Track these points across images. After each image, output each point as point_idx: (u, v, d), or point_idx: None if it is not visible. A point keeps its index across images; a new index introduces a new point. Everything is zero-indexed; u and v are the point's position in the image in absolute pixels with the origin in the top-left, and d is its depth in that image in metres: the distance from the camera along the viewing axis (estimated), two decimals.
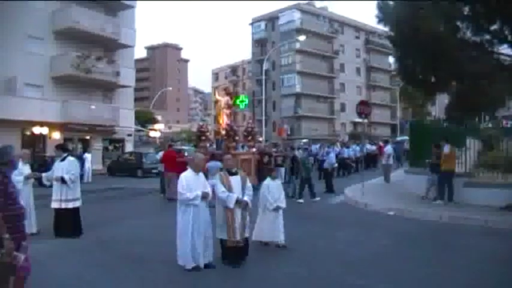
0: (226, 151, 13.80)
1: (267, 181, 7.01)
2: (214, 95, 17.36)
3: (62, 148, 8.24)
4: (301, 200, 12.55)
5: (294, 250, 6.79)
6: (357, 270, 5.87)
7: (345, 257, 6.13)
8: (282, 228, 6.78)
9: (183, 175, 5.78)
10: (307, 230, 8.59)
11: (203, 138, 15.88)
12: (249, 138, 16.68)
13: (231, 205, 5.72)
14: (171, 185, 13.32)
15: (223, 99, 16.68)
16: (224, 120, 16.28)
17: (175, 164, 13.56)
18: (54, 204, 7.78)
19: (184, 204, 5.61)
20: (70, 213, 7.81)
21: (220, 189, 5.76)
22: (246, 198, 5.88)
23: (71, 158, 7.98)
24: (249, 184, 6.13)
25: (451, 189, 10.83)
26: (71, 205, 7.76)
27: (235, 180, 5.92)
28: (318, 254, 6.67)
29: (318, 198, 12.83)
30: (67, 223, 7.80)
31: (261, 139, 19.48)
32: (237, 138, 16.22)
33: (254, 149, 16.59)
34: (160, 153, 15.30)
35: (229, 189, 5.80)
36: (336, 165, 17.55)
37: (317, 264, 6.13)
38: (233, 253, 5.82)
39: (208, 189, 5.77)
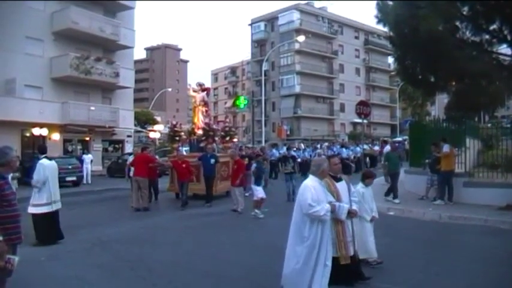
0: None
1: (361, 188, 6.08)
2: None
3: (40, 150, 7.80)
4: (397, 200, 11.44)
5: None
6: None
7: None
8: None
9: (310, 184, 4.60)
10: None
11: (177, 138, 14.67)
12: (227, 138, 14.95)
13: (343, 216, 4.88)
14: (140, 192, 11.67)
15: (199, 96, 14.80)
16: (200, 118, 14.64)
17: (146, 168, 11.98)
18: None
19: (306, 216, 4.52)
20: (38, 219, 7.29)
21: (330, 199, 4.85)
22: (354, 207, 5.14)
23: (41, 162, 7.38)
24: (353, 189, 5.49)
25: (451, 189, 10.82)
26: (33, 210, 7.25)
27: (342, 187, 5.13)
28: None
29: (398, 201, 11.47)
30: (35, 228, 7.33)
31: (235, 140, 17.31)
32: (216, 138, 14.55)
33: (229, 151, 14.74)
34: (131, 157, 13.49)
35: (338, 198, 4.97)
36: None
37: None
38: (345, 271, 4.98)
39: (328, 204, 4.64)
